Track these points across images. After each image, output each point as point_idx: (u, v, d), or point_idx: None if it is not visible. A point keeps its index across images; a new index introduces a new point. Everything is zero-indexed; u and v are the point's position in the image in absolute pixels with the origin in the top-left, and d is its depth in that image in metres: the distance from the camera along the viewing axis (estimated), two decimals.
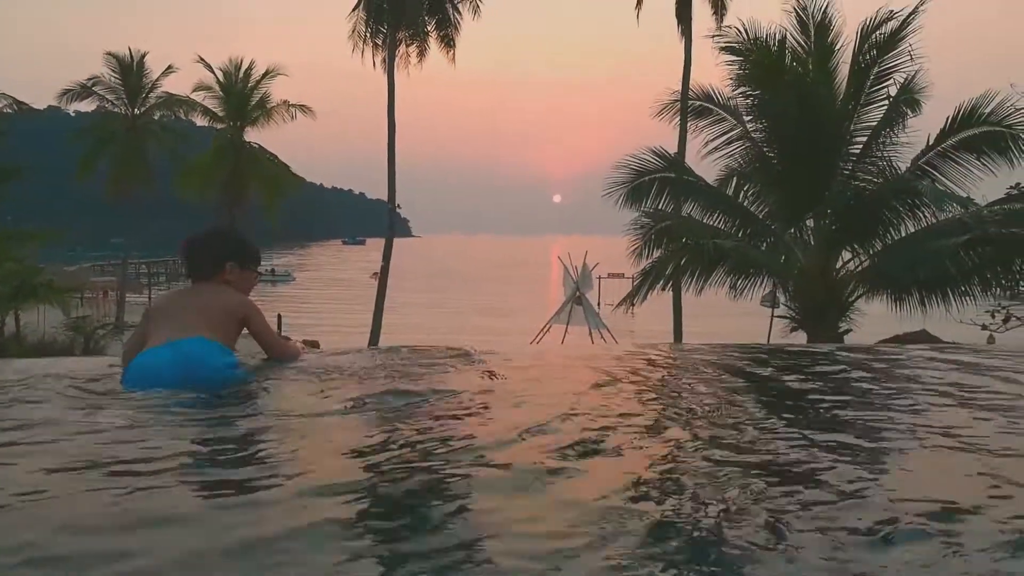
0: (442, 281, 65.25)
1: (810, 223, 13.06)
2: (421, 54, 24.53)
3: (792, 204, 12.82)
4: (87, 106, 33.59)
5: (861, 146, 12.45)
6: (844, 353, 3.39)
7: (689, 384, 2.64)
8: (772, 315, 12.89)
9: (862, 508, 1.25)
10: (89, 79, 31.90)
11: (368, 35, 24.24)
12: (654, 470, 1.49)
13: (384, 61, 24.20)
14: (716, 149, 13.95)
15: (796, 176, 12.43)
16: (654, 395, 2.40)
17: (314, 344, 30.77)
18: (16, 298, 22.30)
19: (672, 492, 1.36)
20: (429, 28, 24.48)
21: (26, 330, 24.64)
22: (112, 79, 31.92)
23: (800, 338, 12.81)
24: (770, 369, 3.02)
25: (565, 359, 3.66)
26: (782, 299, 13.16)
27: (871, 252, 12.39)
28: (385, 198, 25.73)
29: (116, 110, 32.39)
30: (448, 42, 24.57)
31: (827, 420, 2.03)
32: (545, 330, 20.04)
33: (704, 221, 13.92)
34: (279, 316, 23.24)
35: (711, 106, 14.14)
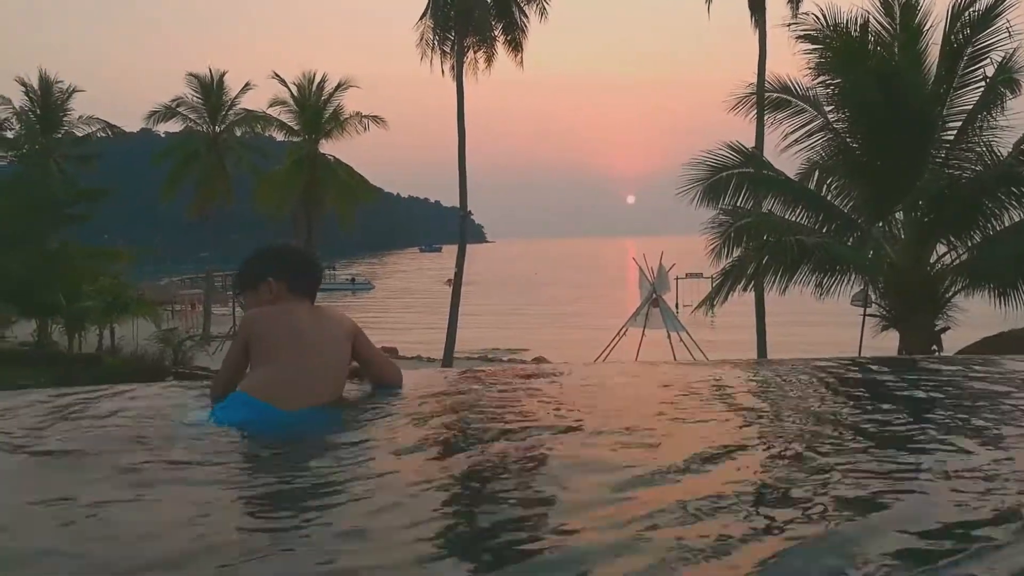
0: (515, 286, 65.29)
1: (899, 216, 12.38)
2: (489, 59, 24.54)
3: (880, 196, 12.14)
4: (174, 126, 34.96)
5: (955, 132, 11.69)
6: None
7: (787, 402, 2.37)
8: (864, 315, 12.21)
9: None
10: (174, 100, 33.18)
11: (436, 43, 24.37)
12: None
13: (452, 68, 24.29)
14: (796, 142, 13.36)
15: (883, 166, 11.77)
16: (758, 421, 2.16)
17: (392, 351, 31.16)
18: (111, 312, 23.31)
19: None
20: (496, 33, 24.45)
21: (120, 342, 25.72)
22: (194, 99, 33.11)
23: (892, 337, 12.13)
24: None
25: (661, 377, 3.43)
26: (873, 297, 12.48)
27: (970, 244, 11.61)
28: (459, 205, 25.83)
29: (199, 128, 33.56)
30: (516, 46, 24.48)
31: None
32: (621, 334, 19.66)
33: (785, 217, 13.36)
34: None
35: (789, 97, 13.56)
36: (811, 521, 1.24)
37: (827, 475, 1.49)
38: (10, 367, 19.36)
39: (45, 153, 26.38)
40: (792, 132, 13.33)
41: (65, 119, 30.66)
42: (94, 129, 32.15)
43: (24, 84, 29.63)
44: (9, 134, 24.97)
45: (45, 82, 29.92)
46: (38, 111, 29.29)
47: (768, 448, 1.77)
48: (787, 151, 13.49)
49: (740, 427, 1.99)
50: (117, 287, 23.98)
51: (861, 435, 1.87)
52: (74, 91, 31.00)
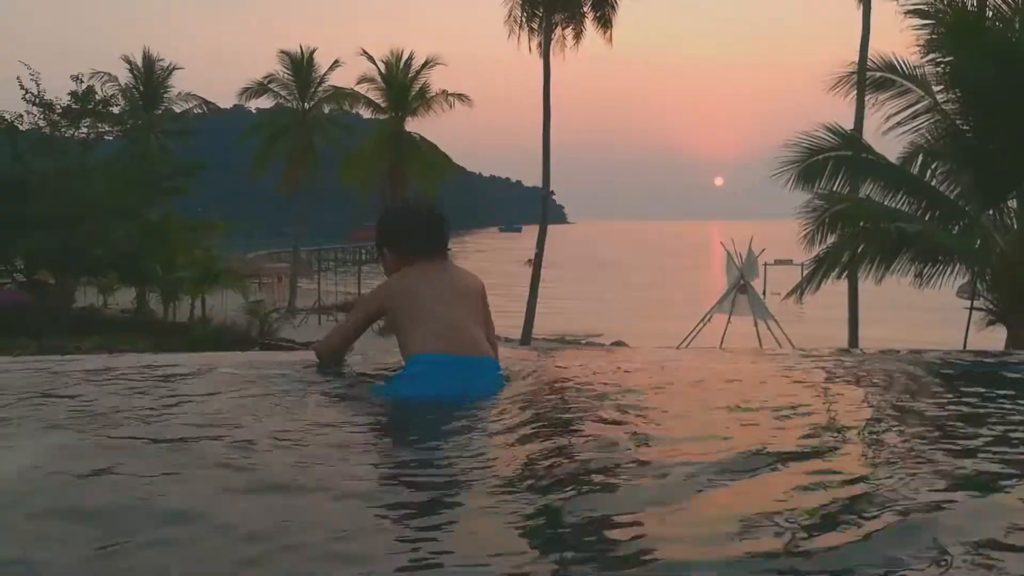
0: (596, 269, 64.78)
1: (1012, 203, 11.62)
2: (577, 36, 24.17)
3: (991, 182, 11.40)
4: (265, 102, 35.89)
5: None
6: None
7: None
8: (971, 307, 11.52)
9: None
10: (265, 77, 34.02)
11: (524, 20, 24.17)
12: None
13: (540, 45, 24.04)
14: (899, 124, 12.79)
15: (996, 151, 11.04)
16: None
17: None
18: (203, 283, 24.20)
19: None
20: (585, 9, 24.06)
21: (210, 313, 26.71)
22: (285, 76, 33.86)
23: (1000, 333, 11.42)
24: None
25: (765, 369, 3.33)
26: (980, 290, 11.76)
27: None
28: (541, 185, 25.67)
29: (289, 105, 34.35)
30: (605, 22, 24.03)
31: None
32: (706, 320, 19.16)
33: (885, 203, 12.72)
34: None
35: (894, 77, 12.90)
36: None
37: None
38: (112, 332, 20.39)
39: (147, 128, 27.49)
40: (896, 114, 12.77)
41: (165, 96, 31.92)
42: (191, 105, 33.36)
43: (129, 62, 30.99)
44: (115, 110, 26.10)
45: (148, 60, 31.19)
46: (141, 88, 30.57)
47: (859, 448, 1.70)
48: (889, 134, 12.92)
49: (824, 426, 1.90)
50: (209, 259, 24.86)
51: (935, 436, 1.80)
52: (174, 69, 32.22)
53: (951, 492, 1.38)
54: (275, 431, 1.82)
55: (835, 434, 1.78)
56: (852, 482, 1.41)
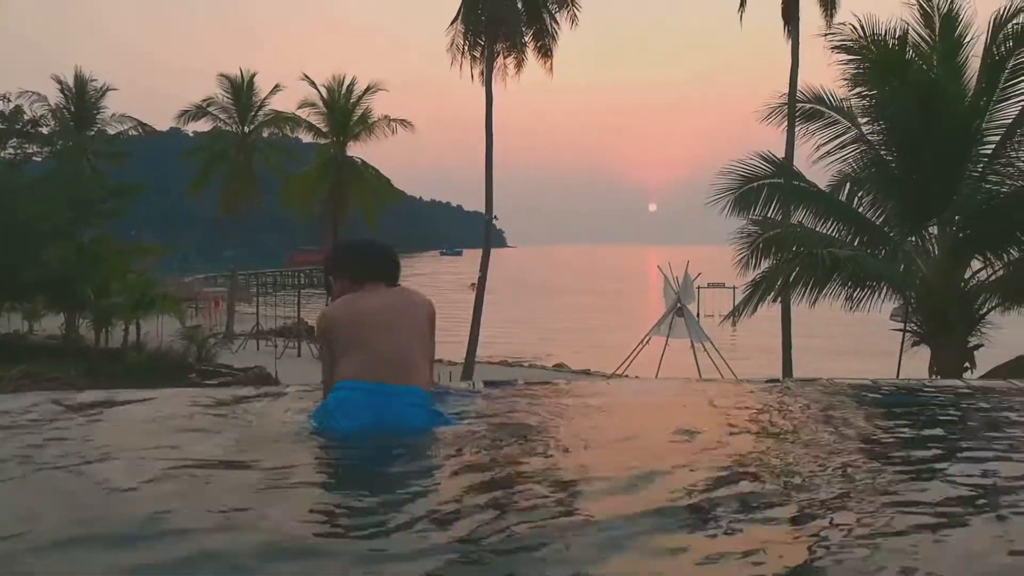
0: (536, 293, 65.17)
1: (933, 230, 12.21)
2: (519, 65, 24.52)
3: (913, 210, 12.00)
4: (203, 126, 35.28)
5: (994, 145, 11.52)
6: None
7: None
8: (904, 330, 12.03)
9: None
10: (204, 100, 33.49)
11: (466, 48, 24.44)
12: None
13: (482, 73, 24.33)
14: (828, 154, 13.22)
15: (918, 180, 11.63)
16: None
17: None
18: (137, 308, 23.48)
19: None
20: (527, 39, 24.47)
21: (145, 338, 25.92)
22: (225, 99, 33.40)
23: (924, 354, 11.95)
24: None
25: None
26: (912, 313, 12.31)
27: (1007, 260, 11.42)
28: (481, 210, 25.81)
29: (228, 128, 33.84)
30: (545, 52, 24.48)
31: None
32: (644, 342, 19.53)
33: (816, 229, 13.23)
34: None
35: (822, 108, 13.43)
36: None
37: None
38: (41, 359, 19.60)
39: (78, 150, 26.71)
40: (824, 143, 13.20)
41: (98, 117, 31.07)
42: (126, 127, 32.52)
43: (60, 82, 30.06)
44: (44, 130, 25.30)
45: (80, 80, 30.34)
46: (72, 108, 29.68)
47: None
48: (818, 163, 13.38)
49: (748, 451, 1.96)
50: (144, 283, 24.17)
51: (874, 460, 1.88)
52: (107, 89, 31.41)
53: (894, 520, 1.42)
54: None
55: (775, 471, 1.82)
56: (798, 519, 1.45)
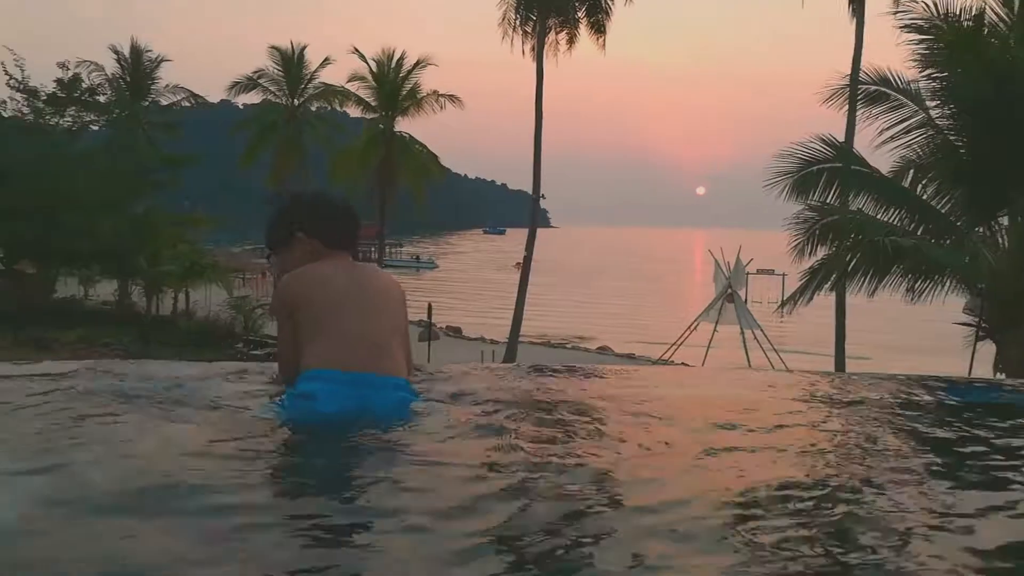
0: (579, 274, 64.87)
1: (1004, 220, 11.71)
2: (571, 41, 24.18)
3: (983, 199, 11.50)
4: (253, 98, 35.57)
5: None
6: None
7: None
8: (979, 325, 11.50)
9: None
10: (255, 72, 33.72)
11: (517, 22, 24.14)
12: None
13: (533, 49, 24.03)
14: (892, 138, 12.80)
15: (990, 168, 11.11)
16: None
17: (456, 330, 31.25)
18: (187, 277, 23.93)
19: None
20: (580, 14, 24.08)
21: (194, 307, 26.43)
22: (275, 71, 33.59)
23: (989, 349, 11.50)
24: None
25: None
26: (986, 307, 11.82)
27: None
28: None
29: (278, 101, 34.08)
30: (599, 28, 24.06)
31: None
32: (692, 328, 19.23)
33: (877, 216, 12.80)
34: (429, 304, 23.55)
35: (888, 90, 12.94)
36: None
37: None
38: (95, 325, 20.11)
39: (134, 120, 27.14)
40: (888, 128, 12.79)
41: (152, 87, 31.52)
42: (179, 98, 32.95)
43: (116, 52, 30.55)
44: (101, 99, 25.74)
45: (136, 51, 30.78)
46: (128, 79, 30.15)
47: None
48: (881, 148, 12.96)
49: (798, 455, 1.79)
50: (195, 253, 24.58)
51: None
52: (162, 60, 31.83)
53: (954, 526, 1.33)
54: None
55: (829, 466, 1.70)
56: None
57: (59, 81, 22.74)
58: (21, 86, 21.95)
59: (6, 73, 21.55)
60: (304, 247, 2.24)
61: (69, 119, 23.79)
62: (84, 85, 24.35)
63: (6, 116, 22.09)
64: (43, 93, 22.46)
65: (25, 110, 22.52)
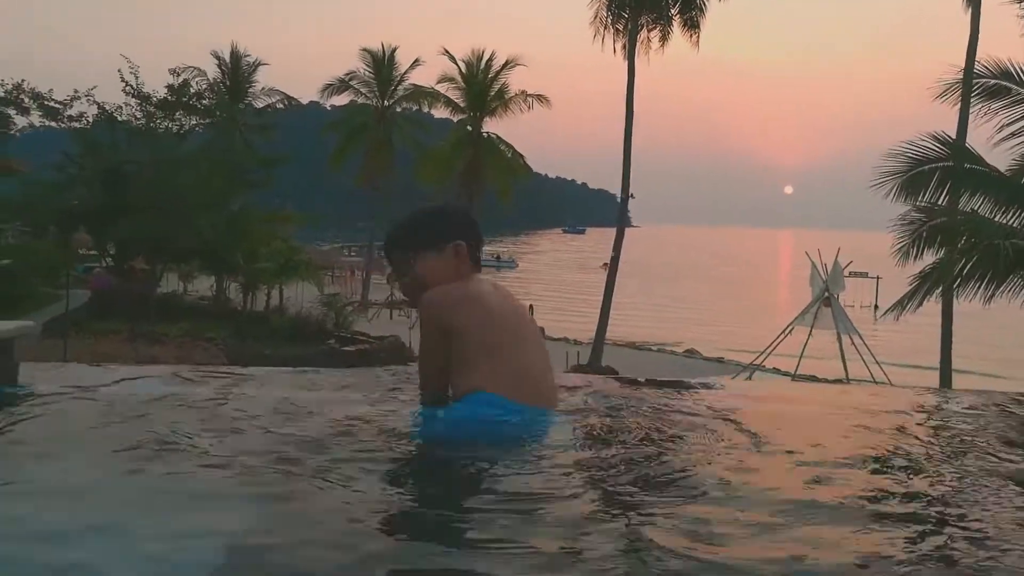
0: (664, 274, 63.93)
1: None
2: (663, 38, 23.82)
3: None
4: (342, 99, 36.42)
5: None
6: None
7: None
8: None
9: None
10: (347, 74, 34.52)
11: (609, 21, 23.91)
12: None
13: (624, 48, 23.76)
14: (1013, 135, 12.11)
15: None
16: None
17: (540, 330, 31.22)
18: (281, 273, 24.63)
19: None
20: (673, 11, 23.67)
21: (286, 303, 27.17)
22: (366, 73, 34.29)
23: None
24: None
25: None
26: None
27: None
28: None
29: (368, 103, 34.76)
30: (692, 25, 23.62)
31: None
32: (787, 332, 18.62)
33: (994, 218, 12.08)
34: (530, 306, 23.52)
35: (1010, 84, 12.21)
36: None
37: None
38: (196, 320, 20.90)
39: (232, 122, 28.14)
40: (1009, 124, 12.10)
41: (249, 90, 32.63)
42: (273, 100, 34.02)
43: (218, 57, 31.78)
44: (204, 103, 26.84)
45: (235, 55, 31.93)
46: (228, 83, 31.31)
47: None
48: (999, 146, 12.27)
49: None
50: (289, 250, 25.28)
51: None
52: (259, 64, 32.90)
53: None
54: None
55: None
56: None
57: (170, 87, 23.80)
58: (135, 92, 23.08)
59: (123, 80, 22.70)
60: (458, 259, 2.13)
61: (177, 123, 24.86)
62: (192, 90, 25.42)
63: (121, 120, 23.25)
64: (154, 98, 23.55)
65: (138, 115, 23.68)
